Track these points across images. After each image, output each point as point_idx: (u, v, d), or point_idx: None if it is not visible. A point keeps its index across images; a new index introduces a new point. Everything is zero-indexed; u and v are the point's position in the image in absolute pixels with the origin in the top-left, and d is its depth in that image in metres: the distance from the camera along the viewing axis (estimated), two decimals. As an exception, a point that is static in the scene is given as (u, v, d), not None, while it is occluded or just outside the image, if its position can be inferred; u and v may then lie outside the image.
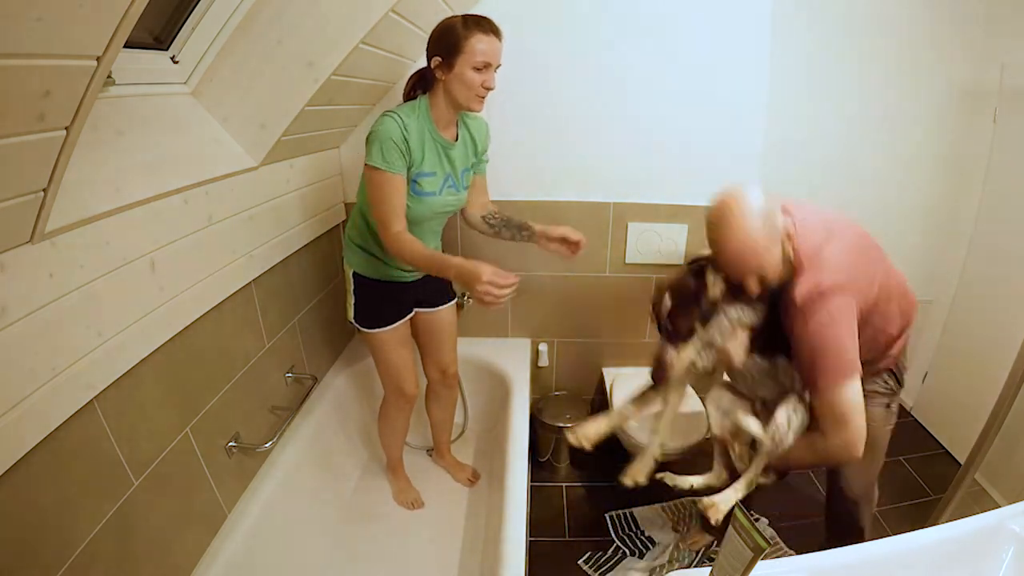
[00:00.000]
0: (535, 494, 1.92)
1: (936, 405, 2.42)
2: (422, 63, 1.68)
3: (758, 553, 0.68)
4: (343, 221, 1.88)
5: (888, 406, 1.34)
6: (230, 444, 1.23)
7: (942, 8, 1.96)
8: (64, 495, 0.78)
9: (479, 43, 1.20)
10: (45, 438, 0.74)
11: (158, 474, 0.98)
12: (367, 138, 1.24)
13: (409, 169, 1.27)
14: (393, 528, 1.63)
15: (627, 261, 1.99)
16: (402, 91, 1.37)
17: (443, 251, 1.47)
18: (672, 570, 1.49)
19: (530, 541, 1.31)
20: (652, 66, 1.74)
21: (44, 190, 0.66)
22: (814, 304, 1.06)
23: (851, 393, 1.06)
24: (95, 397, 0.83)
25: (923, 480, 2.11)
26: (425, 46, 1.26)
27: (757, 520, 1.80)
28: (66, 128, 0.61)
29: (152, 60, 1.08)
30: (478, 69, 1.22)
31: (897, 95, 2.06)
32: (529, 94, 1.76)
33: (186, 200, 1.03)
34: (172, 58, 1.13)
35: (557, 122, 1.80)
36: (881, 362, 1.26)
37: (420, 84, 1.34)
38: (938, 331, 2.40)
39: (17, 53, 0.49)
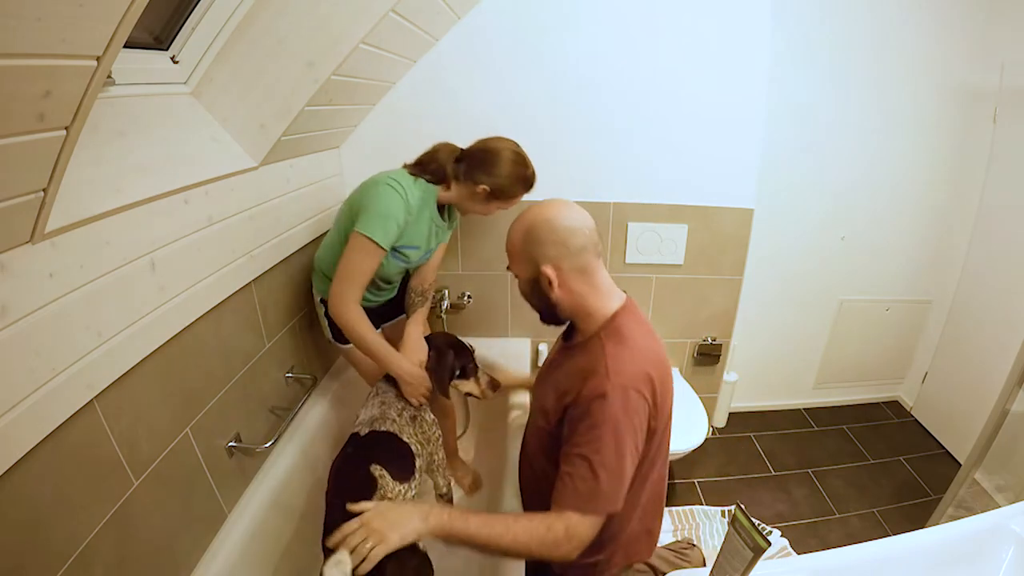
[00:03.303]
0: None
1: (936, 405, 2.42)
2: (422, 63, 1.71)
3: (758, 553, 0.68)
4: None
5: None
6: (230, 444, 1.23)
7: (942, 8, 1.96)
8: (64, 495, 0.78)
9: (519, 199, 1.40)
10: (45, 438, 0.73)
11: (158, 474, 0.98)
12: (369, 202, 1.27)
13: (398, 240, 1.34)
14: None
15: (627, 261, 1.99)
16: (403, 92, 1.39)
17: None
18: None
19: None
20: (652, 66, 1.74)
21: (44, 190, 0.66)
22: (603, 404, 0.89)
23: (590, 528, 0.90)
24: (95, 397, 0.83)
25: (923, 480, 2.11)
26: (474, 160, 1.35)
27: (769, 533, 1.78)
28: (66, 128, 0.61)
29: (152, 60, 1.08)
30: (498, 207, 1.41)
31: (897, 95, 2.06)
32: (530, 94, 1.76)
33: (186, 200, 1.03)
34: (172, 58, 1.12)
35: (557, 122, 1.80)
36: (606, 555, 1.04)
37: (440, 170, 1.37)
38: (938, 331, 2.40)
39: (17, 53, 0.49)
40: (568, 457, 0.93)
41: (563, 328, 1.14)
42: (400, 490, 1.12)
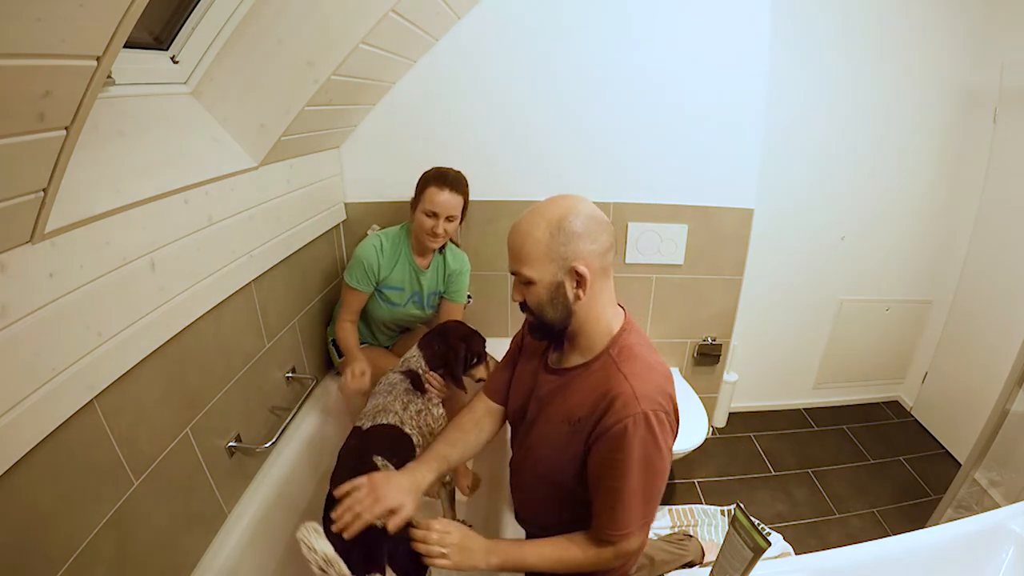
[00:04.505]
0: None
1: (936, 405, 2.42)
2: (422, 63, 1.71)
3: (758, 553, 0.68)
4: (343, 221, 1.88)
5: None
6: (230, 444, 1.23)
7: (942, 8, 1.96)
8: (64, 495, 0.78)
9: (433, 195, 1.46)
10: (45, 438, 0.73)
11: (158, 474, 0.98)
12: (354, 251, 1.56)
13: (379, 281, 1.57)
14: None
15: (627, 261, 1.99)
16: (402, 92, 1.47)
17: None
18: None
19: (530, 541, 1.33)
20: (653, 67, 1.74)
21: (44, 190, 0.66)
22: (636, 429, 0.83)
23: (636, 545, 0.92)
24: (95, 397, 0.83)
25: (923, 480, 2.11)
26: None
27: (768, 535, 1.79)
28: (66, 128, 0.61)
29: (152, 60, 1.08)
30: (427, 215, 1.48)
31: (897, 95, 2.06)
32: (532, 94, 1.76)
33: (186, 200, 1.03)
34: (172, 58, 1.12)
35: (557, 121, 1.80)
36: None
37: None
38: (938, 331, 2.40)
39: (17, 53, 0.49)
40: (606, 489, 0.88)
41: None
42: None
